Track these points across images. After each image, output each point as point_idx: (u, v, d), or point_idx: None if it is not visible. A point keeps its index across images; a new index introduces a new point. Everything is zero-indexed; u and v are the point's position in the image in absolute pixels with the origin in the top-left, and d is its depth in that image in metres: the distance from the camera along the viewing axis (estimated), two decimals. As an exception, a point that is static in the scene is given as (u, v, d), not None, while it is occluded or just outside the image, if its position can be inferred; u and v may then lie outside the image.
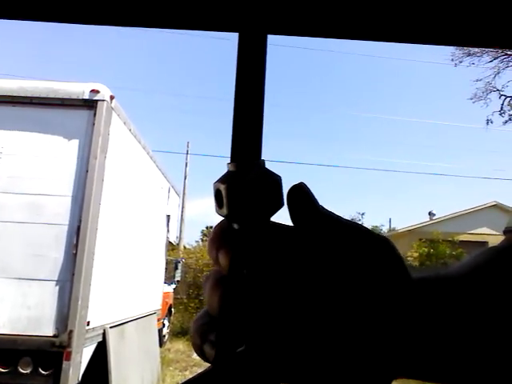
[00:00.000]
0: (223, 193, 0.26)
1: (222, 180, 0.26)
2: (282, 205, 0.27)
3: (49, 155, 3.75)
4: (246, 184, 0.26)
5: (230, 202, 0.26)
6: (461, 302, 0.30)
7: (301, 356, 0.27)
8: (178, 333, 9.99)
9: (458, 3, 1.29)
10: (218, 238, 0.27)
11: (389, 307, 0.28)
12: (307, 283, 0.27)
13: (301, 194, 0.28)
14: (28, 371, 3.41)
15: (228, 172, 0.27)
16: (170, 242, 7.62)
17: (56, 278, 3.54)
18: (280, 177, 0.27)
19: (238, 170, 0.26)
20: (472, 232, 14.52)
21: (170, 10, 1.28)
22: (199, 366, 7.41)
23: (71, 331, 3.42)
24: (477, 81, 13.77)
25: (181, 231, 19.36)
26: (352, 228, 0.29)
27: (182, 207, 19.60)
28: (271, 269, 0.26)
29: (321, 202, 0.29)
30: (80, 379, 3.55)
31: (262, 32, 1.21)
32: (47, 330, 3.45)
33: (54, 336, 3.44)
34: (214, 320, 0.28)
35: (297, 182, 0.29)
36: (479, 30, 1.33)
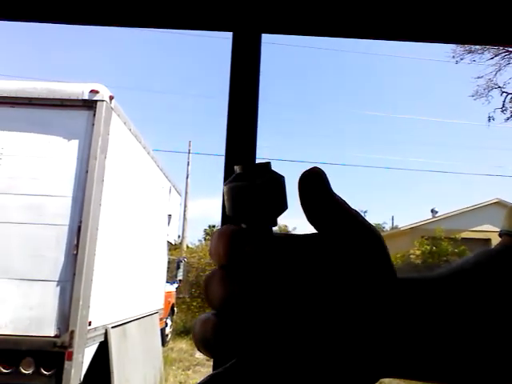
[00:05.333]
0: (230, 194, 0.27)
1: (231, 181, 0.27)
2: (286, 206, 0.28)
3: (49, 156, 3.76)
4: (254, 185, 0.27)
5: (237, 203, 0.27)
6: (444, 301, 0.30)
7: (290, 359, 0.26)
8: (181, 332, 10.00)
9: (458, 2, 1.27)
10: (239, 235, 0.27)
11: (376, 308, 0.28)
12: (304, 290, 0.27)
13: (315, 183, 0.28)
14: (30, 371, 3.43)
15: (236, 174, 0.28)
16: (169, 243, 7.61)
17: (57, 279, 3.54)
18: (284, 178, 0.28)
19: (245, 172, 0.27)
20: (475, 229, 14.48)
21: (164, 10, 1.28)
22: (202, 365, 7.42)
23: (73, 331, 3.42)
24: (478, 78, 13.71)
25: (183, 230, 19.38)
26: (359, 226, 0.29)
27: (185, 206, 19.62)
28: (273, 273, 0.27)
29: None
30: (82, 379, 3.56)
31: (256, 31, 1.20)
32: (49, 330, 3.46)
33: (56, 336, 3.45)
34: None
35: (311, 167, 0.29)
36: (479, 27, 1.31)
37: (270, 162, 0.27)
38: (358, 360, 0.27)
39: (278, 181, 0.27)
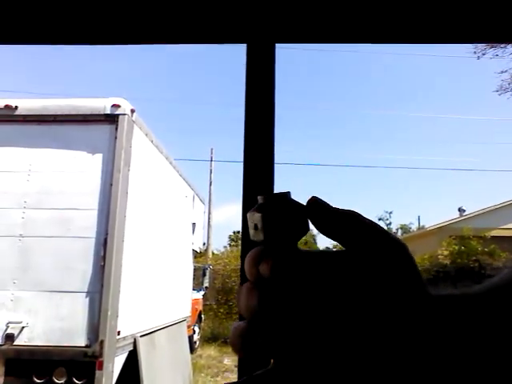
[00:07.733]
0: (260, 220, 0.30)
1: (257, 209, 0.30)
2: (306, 231, 0.31)
3: (74, 170, 3.86)
4: (279, 213, 0.30)
5: (266, 228, 0.30)
6: (477, 322, 0.29)
7: (321, 372, 0.27)
8: (209, 338, 10.04)
9: (471, 1, 1.25)
10: (257, 255, 0.30)
11: (407, 323, 0.28)
12: (331, 301, 0.28)
13: (317, 207, 0.31)
14: (62, 381, 3.51)
15: (258, 204, 0.31)
16: (195, 251, 7.66)
17: (86, 290, 3.63)
18: (302, 205, 0.31)
19: (265, 202, 0.31)
20: (505, 227, 14.09)
21: (177, 25, 1.31)
22: (231, 371, 7.43)
23: (102, 341, 3.49)
24: (502, 72, 13.36)
25: (208, 237, 19.46)
26: (372, 230, 0.30)
27: (209, 214, 19.72)
28: (300, 288, 0.28)
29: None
30: (113, 388, 3.62)
31: (270, 41, 1.22)
32: (79, 340, 3.54)
33: (87, 346, 3.53)
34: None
35: (309, 198, 0.31)
36: (497, 25, 1.29)
37: (289, 192, 0.31)
38: (386, 377, 0.27)
39: (295, 209, 0.30)
